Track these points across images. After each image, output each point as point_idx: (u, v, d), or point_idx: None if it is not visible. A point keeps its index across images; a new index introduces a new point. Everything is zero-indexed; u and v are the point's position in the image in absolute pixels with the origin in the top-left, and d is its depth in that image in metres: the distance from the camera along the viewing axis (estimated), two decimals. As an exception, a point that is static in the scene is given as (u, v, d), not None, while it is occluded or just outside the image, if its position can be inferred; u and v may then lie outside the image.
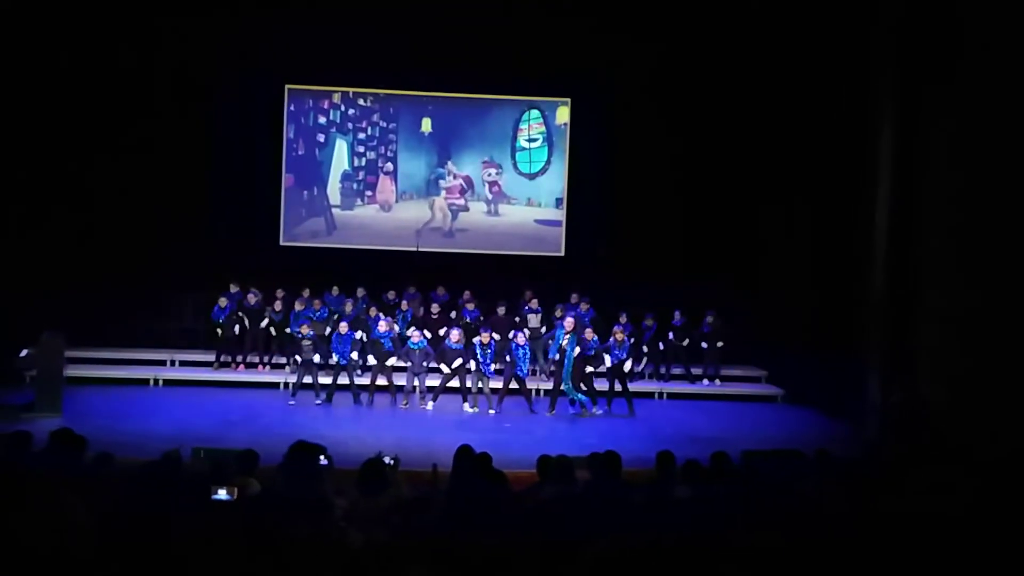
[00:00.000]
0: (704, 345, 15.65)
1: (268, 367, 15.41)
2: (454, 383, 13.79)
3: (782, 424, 13.49)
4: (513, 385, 13.68)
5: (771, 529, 4.33)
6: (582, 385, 13.48)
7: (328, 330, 14.54)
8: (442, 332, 14.60)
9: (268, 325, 15.27)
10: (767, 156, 16.01)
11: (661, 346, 15.61)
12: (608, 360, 13.60)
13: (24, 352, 12.81)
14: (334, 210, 17.37)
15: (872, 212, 13.20)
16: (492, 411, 13.51)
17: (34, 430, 7.40)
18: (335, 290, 15.81)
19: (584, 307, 15.34)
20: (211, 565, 3.19)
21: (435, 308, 15.52)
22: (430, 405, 13.66)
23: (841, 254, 14.37)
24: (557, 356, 13.52)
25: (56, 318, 13.43)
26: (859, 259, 13.59)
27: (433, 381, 13.93)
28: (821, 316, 14.77)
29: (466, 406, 13.63)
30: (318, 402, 13.67)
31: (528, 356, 13.75)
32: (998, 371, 10.66)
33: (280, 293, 15.42)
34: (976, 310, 11.28)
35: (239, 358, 15.34)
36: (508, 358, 13.66)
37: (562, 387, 13.46)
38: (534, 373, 14.51)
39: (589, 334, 13.61)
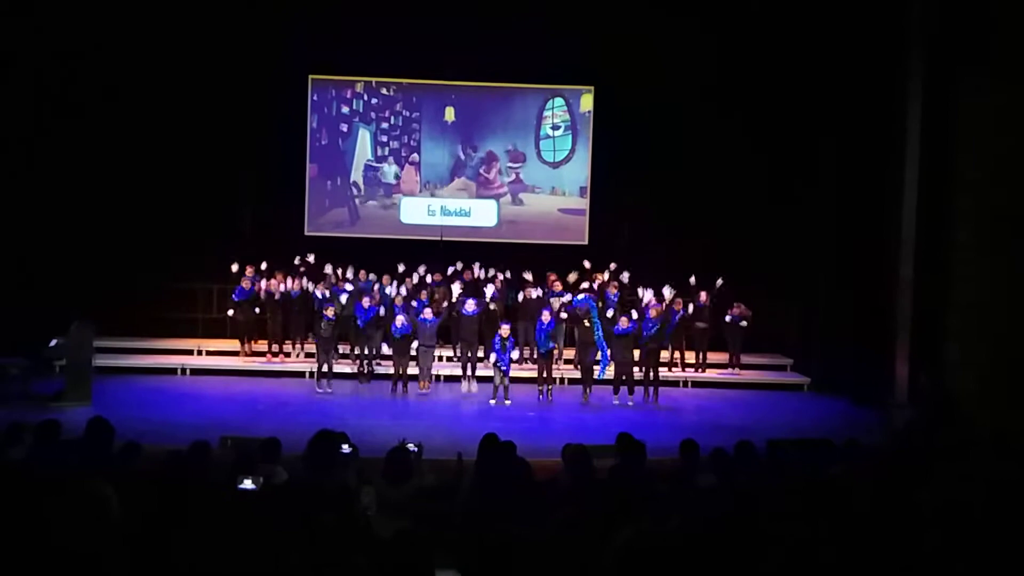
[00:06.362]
0: (726, 332, 15.55)
1: (293, 356, 15.49)
2: (471, 369, 13.87)
3: (809, 413, 13.39)
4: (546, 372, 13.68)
5: (797, 518, 4.30)
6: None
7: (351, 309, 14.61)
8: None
9: (293, 309, 15.28)
10: (793, 143, 15.84)
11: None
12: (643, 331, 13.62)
13: (54, 341, 12.95)
14: (357, 200, 17.41)
15: (900, 199, 13.06)
16: (508, 402, 13.46)
17: (63, 419, 7.48)
18: (362, 274, 15.70)
19: (612, 289, 15.23)
20: (238, 554, 3.21)
21: (457, 287, 15.29)
22: (475, 387, 13.79)
23: (869, 242, 14.23)
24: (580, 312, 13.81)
25: (85, 308, 13.57)
26: (888, 247, 13.46)
27: (455, 369, 13.97)
28: (849, 304, 14.64)
29: (464, 384, 13.89)
30: (329, 391, 13.75)
31: (550, 332, 13.67)
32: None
33: (304, 278, 15.43)
34: (1005, 298, 11.16)
35: (274, 348, 15.37)
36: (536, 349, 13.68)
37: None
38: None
39: (624, 322, 13.53)
